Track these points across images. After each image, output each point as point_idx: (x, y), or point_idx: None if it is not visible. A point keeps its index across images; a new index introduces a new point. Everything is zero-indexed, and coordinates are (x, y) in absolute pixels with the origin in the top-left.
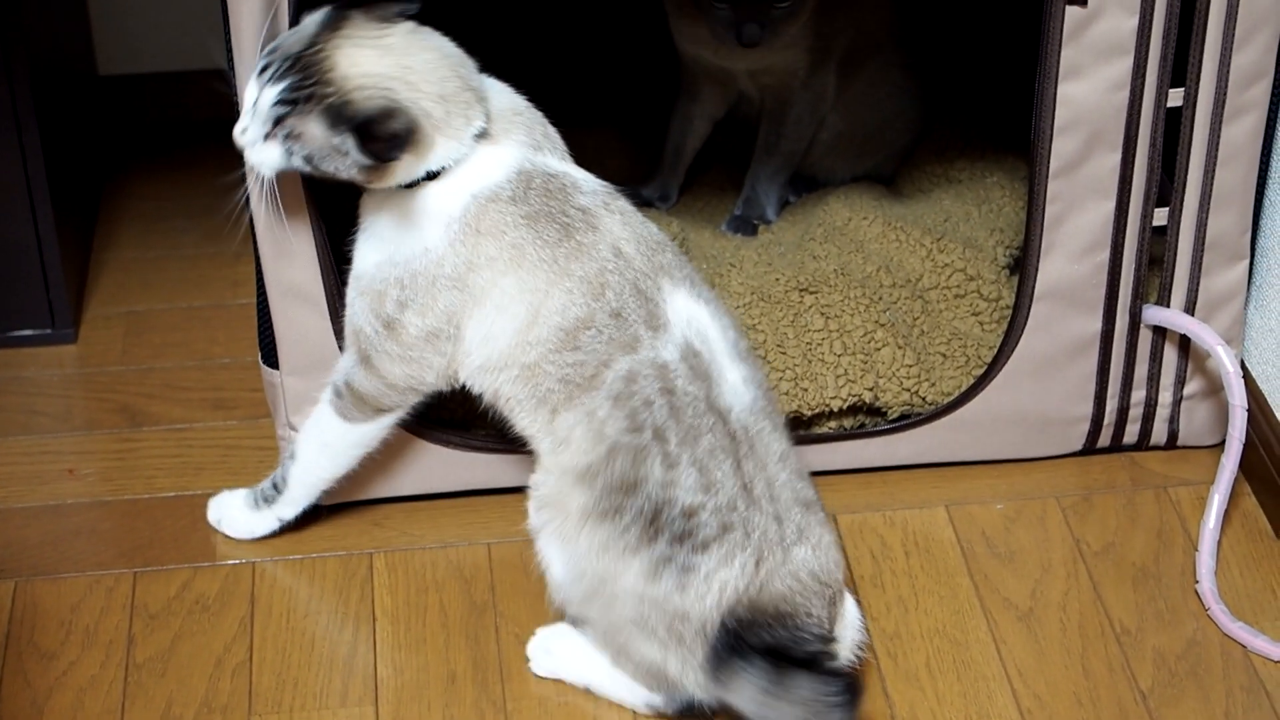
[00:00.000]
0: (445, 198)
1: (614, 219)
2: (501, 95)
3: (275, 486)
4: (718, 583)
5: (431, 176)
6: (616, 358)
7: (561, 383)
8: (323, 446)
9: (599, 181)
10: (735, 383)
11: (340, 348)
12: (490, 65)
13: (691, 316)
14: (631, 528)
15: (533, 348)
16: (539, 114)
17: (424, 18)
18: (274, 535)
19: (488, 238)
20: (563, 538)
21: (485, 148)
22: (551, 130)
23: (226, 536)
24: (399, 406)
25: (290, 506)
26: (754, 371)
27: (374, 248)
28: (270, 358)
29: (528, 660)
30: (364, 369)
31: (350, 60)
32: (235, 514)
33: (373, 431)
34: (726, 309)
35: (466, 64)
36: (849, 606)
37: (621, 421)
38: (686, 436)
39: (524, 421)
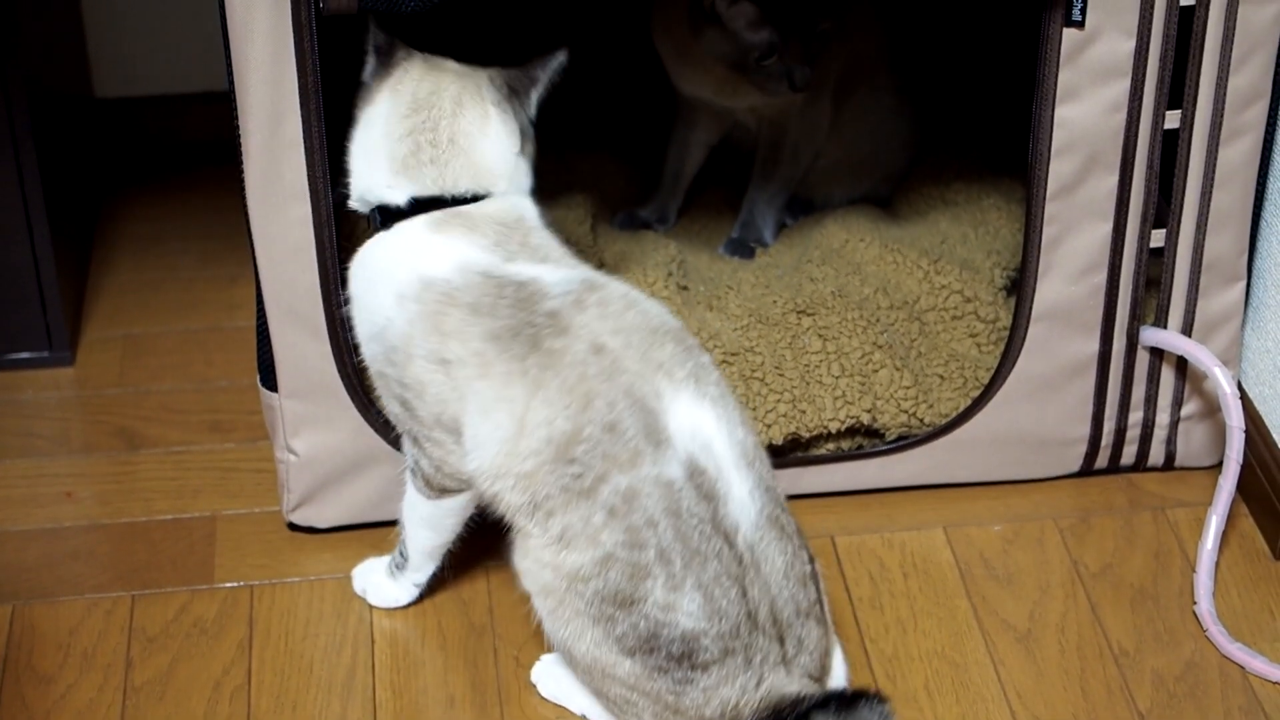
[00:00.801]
0: (396, 265)
1: (588, 314)
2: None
3: (402, 554)
4: (717, 699)
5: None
6: (613, 473)
7: (559, 490)
8: (420, 520)
9: (579, 273)
10: (742, 497)
11: (339, 371)
12: None
13: (696, 428)
14: (626, 638)
15: (526, 459)
16: (534, 224)
17: (422, 39)
18: (281, 562)
19: (452, 339)
20: (555, 620)
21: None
22: (538, 238)
23: (372, 606)
24: (461, 489)
25: (419, 573)
26: (762, 471)
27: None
28: (269, 380)
29: (532, 683)
30: (417, 449)
31: None
32: (380, 582)
33: (459, 503)
34: (734, 401)
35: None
36: (836, 662)
37: (619, 535)
38: (692, 561)
39: (520, 520)
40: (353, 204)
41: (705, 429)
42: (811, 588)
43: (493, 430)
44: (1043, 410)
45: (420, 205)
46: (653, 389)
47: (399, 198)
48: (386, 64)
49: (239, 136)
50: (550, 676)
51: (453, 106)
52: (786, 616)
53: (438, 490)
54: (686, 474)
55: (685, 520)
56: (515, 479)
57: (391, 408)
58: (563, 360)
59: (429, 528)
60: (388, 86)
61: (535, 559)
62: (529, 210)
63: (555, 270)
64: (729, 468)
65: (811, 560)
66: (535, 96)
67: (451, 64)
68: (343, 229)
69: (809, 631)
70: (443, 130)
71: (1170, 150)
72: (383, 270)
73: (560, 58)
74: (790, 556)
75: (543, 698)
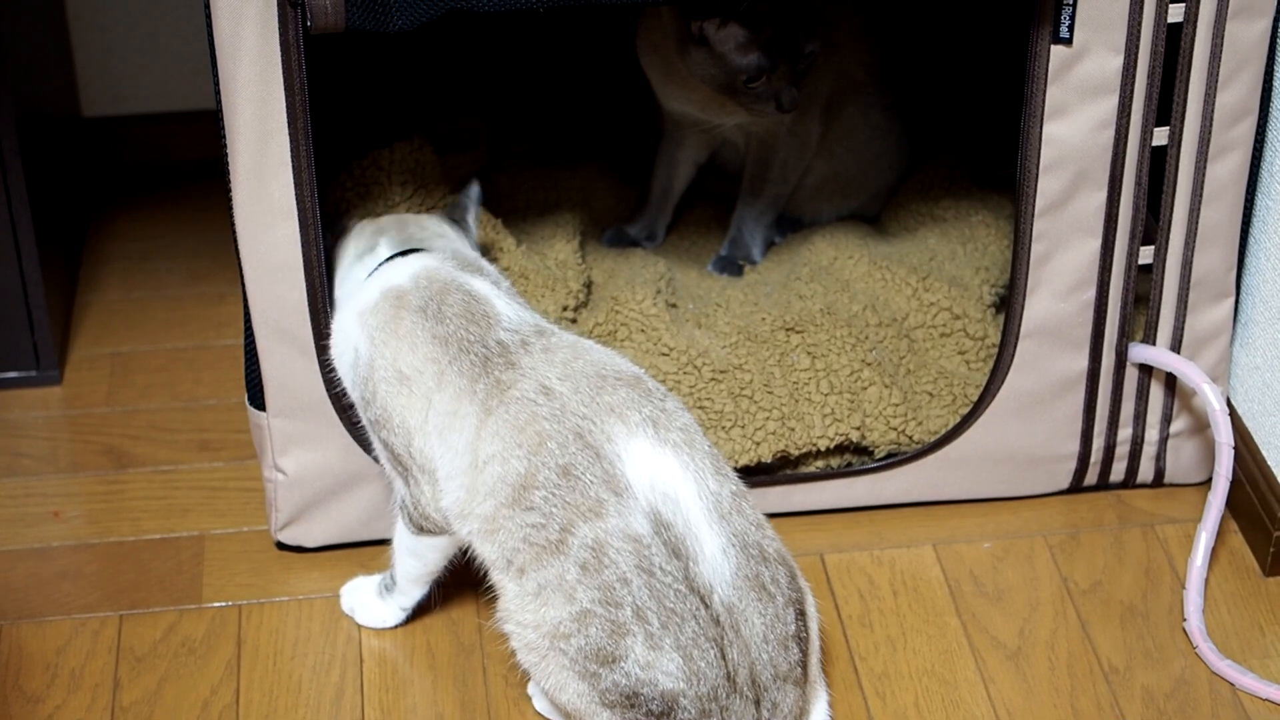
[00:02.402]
0: (362, 293)
1: (534, 358)
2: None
3: (392, 577)
4: None
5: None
6: (577, 523)
7: (525, 543)
8: (406, 550)
9: (530, 316)
10: (714, 556)
11: (327, 390)
12: (479, 103)
13: (656, 477)
14: (609, 693)
15: (485, 498)
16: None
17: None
18: (269, 581)
19: (404, 344)
20: (539, 673)
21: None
22: (494, 272)
23: (360, 626)
24: (440, 531)
25: (405, 597)
26: (738, 525)
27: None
28: (257, 399)
29: (529, 698)
30: (401, 485)
31: None
32: (368, 602)
33: (440, 543)
34: (705, 447)
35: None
36: (818, 716)
37: (594, 591)
38: (670, 620)
39: (497, 576)
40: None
41: (668, 480)
42: (794, 649)
43: (453, 458)
44: (1032, 427)
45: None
46: (604, 433)
47: (367, 268)
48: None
49: (227, 155)
50: (542, 694)
51: (397, 218)
52: (764, 680)
53: (418, 527)
54: (653, 529)
55: (658, 578)
56: (479, 522)
57: (379, 451)
58: (510, 394)
59: (414, 557)
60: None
61: (517, 621)
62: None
63: (509, 303)
64: (699, 524)
65: (799, 616)
66: (470, 219)
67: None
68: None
69: (785, 695)
70: (392, 224)
71: (1158, 167)
72: (352, 304)
73: (473, 186)
74: (771, 618)
75: (537, 712)
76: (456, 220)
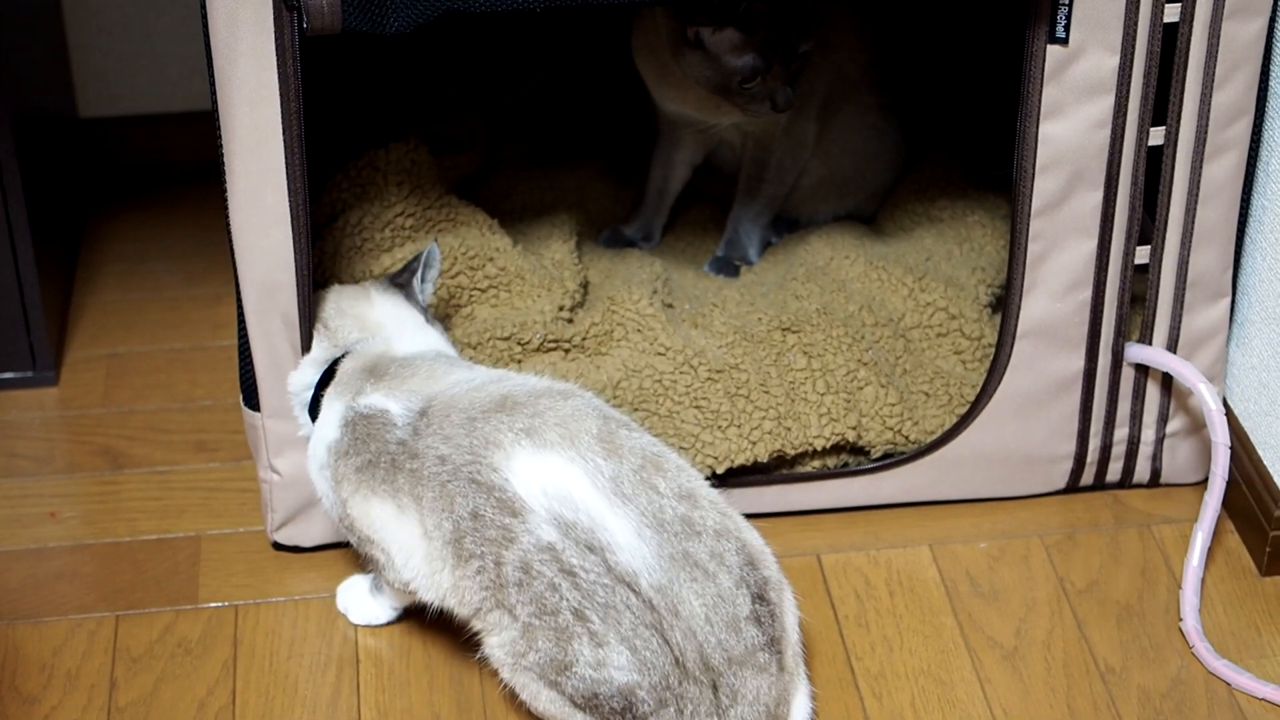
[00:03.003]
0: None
1: (425, 439)
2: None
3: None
4: None
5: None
6: (502, 553)
7: (482, 589)
8: (388, 587)
9: (417, 399)
10: (629, 542)
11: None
12: (476, 104)
13: (545, 483)
14: (575, 697)
15: (440, 571)
16: (405, 357)
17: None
18: (265, 582)
19: (343, 485)
20: (518, 688)
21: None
22: (401, 369)
23: (354, 624)
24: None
25: (396, 599)
26: (651, 502)
27: None
28: (252, 400)
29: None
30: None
31: None
32: (360, 599)
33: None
34: (587, 425)
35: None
36: (797, 712)
37: (530, 605)
38: (608, 616)
39: (475, 625)
40: (299, 419)
41: (557, 481)
42: (750, 631)
43: (411, 543)
44: (1028, 427)
45: (326, 375)
46: (489, 465)
47: (308, 379)
48: None
49: (223, 157)
50: None
51: (335, 299)
52: (717, 663)
53: (394, 591)
54: (560, 533)
55: (582, 577)
56: (442, 594)
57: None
58: (423, 475)
59: (395, 597)
60: None
61: (492, 655)
62: (410, 349)
63: (398, 401)
64: (602, 513)
65: (757, 600)
66: (418, 283)
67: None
68: (326, 248)
69: (744, 681)
70: (328, 308)
71: (1155, 167)
72: (311, 452)
73: (430, 248)
74: (713, 598)
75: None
76: (401, 284)
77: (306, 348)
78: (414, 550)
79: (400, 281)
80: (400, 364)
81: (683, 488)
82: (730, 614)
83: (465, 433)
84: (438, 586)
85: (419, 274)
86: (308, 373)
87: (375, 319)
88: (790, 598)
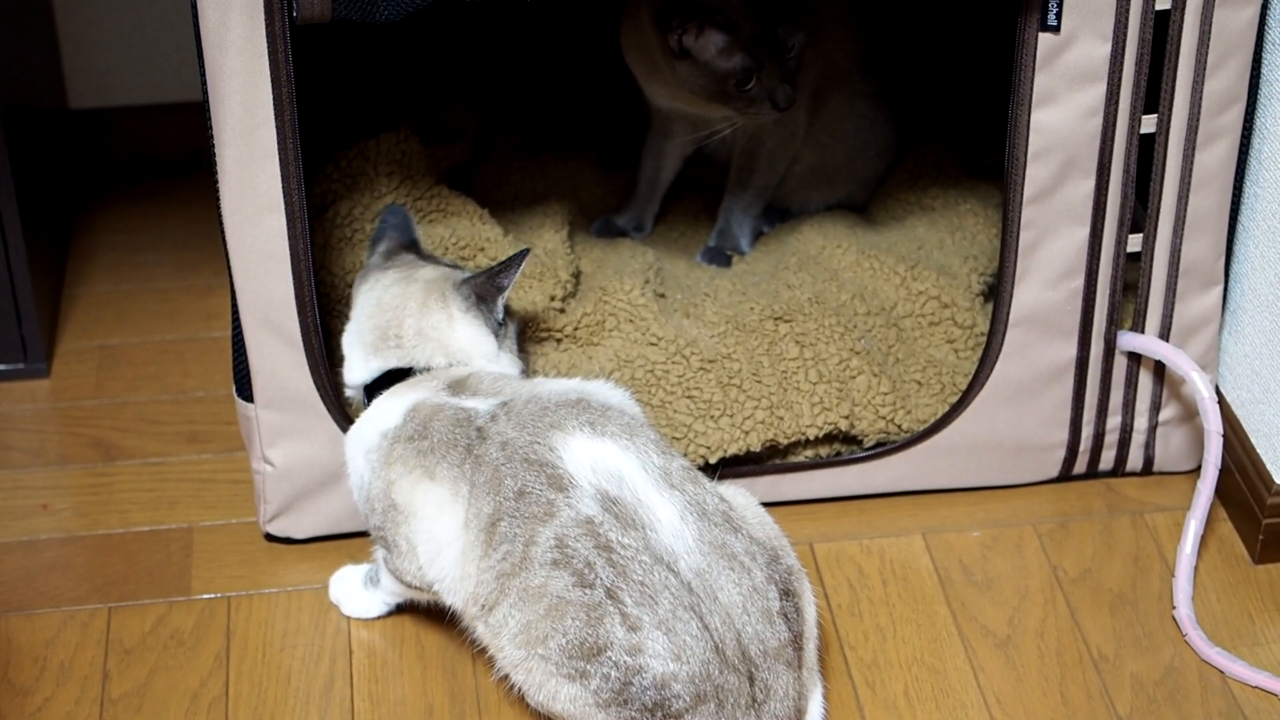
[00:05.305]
0: (365, 428)
1: (498, 424)
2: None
3: (378, 575)
4: None
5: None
6: (538, 530)
7: (496, 578)
8: (391, 586)
9: (501, 398)
10: (671, 521)
11: (314, 382)
12: (467, 94)
13: (596, 460)
14: (601, 691)
15: (469, 562)
16: (491, 374)
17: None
18: (258, 573)
19: (396, 465)
20: (530, 688)
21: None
22: (492, 384)
23: (346, 616)
24: (421, 590)
25: (391, 596)
26: (696, 494)
27: None
28: (245, 391)
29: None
30: (383, 552)
31: None
32: (354, 591)
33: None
34: (649, 435)
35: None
36: (814, 708)
37: (567, 578)
38: (643, 597)
39: (475, 625)
40: (348, 391)
41: (608, 460)
42: (781, 626)
43: (441, 532)
44: (1021, 416)
45: (390, 377)
46: (546, 445)
47: (370, 374)
48: (384, 264)
49: (214, 147)
50: None
51: (418, 308)
52: (754, 655)
53: (403, 584)
54: (601, 507)
55: (619, 553)
56: (463, 593)
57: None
58: (484, 459)
59: (398, 595)
60: (367, 288)
61: (495, 646)
62: (496, 369)
63: (487, 401)
64: (648, 493)
65: (785, 595)
66: (501, 301)
67: (426, 271)
68: (316, 240)
69: (777, 676)
70: (408, 327)
71: (1147, 154)
72: (357, 435)
73: (526, 255)
74: (748, 589)
75: (527, 705)
76: (483, 298)
77: (304, 337)
78: (447, 544)
79: (483, 293)
80: (491, 379)
81: (724, 495)
82: (764, 607)
83: (536, 419)
84: (464, 580)
85: (505, 289)
86: (362, 373)
87: (459, 345)
88: (810, 591)
